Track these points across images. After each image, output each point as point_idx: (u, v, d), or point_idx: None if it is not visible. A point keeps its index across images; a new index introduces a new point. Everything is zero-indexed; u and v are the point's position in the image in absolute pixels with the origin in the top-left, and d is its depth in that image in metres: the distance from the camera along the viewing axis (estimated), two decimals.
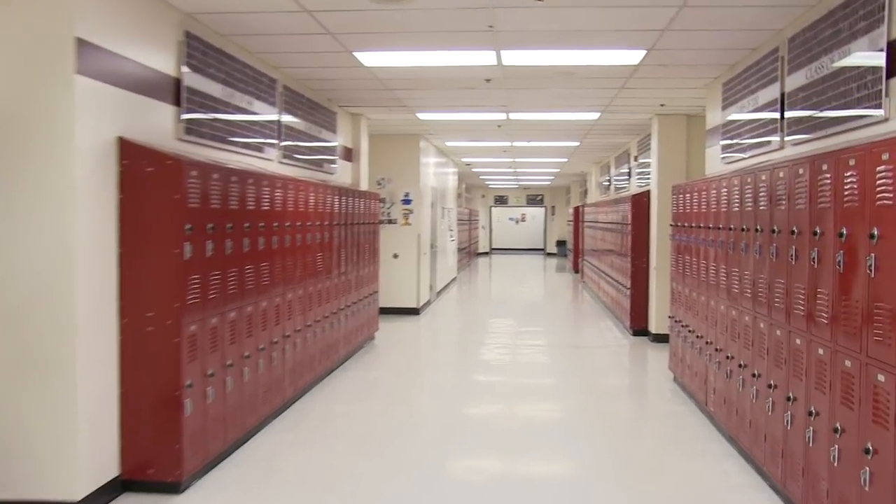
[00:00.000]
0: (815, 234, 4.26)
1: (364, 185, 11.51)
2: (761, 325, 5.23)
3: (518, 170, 23.29)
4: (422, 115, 11.29)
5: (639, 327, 11.71)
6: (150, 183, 4.90)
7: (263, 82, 7.41)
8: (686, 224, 7.71)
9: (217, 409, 5.47)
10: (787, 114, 5.78)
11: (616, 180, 16.71)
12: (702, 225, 7.03)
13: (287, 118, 8.15)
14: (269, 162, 7.66)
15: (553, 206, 36.18)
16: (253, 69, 7.12)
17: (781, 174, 4.85)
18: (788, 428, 4.62)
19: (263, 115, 7.43)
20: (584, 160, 19.15)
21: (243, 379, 5.95)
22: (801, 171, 4.51)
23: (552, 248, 36.37)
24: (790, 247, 4.63)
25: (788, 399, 4.60)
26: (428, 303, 14.92)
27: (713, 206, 6.64)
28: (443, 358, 10.60)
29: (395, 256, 13.68)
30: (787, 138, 5.81)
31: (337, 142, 10.30)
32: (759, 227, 5.28)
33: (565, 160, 19.23)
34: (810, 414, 4.24)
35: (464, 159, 19.33)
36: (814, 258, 4.28)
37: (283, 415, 7.00)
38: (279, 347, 6.79)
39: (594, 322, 13.80)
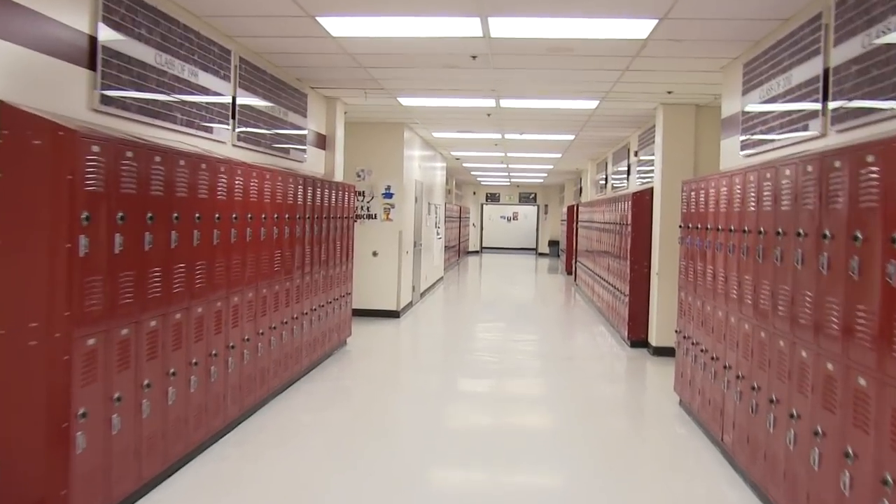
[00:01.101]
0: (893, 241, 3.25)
1: (340, 176, 10.48)
2: (803, 354, 4.22)
3: (510, 166, 22.27)
4: (404, 101, 10.26)
5: (637, 338, 10.71)
6: (36, 159, 3.85)
7: (213, 52, 6.36)
8: (699, 225, 6.71)
9: (126, 440, 4.43)
10: (833, 97, 4.77)
11: (613, 178, 15.71)
12: (720, 227, 6.02)
13: (245, 96, 7.11)
14: (221, 145, 6.63)
15: (546, 205, 35.18)
16: (199, 35, 6.08)
17: (838, 163, 3.84)
18: (846, 493, 3.60)
19: (214, 90, 6.39)
20: (579, 156, 18.14)
21: (167, 401, 4.92)
22: (869, 157, 3.50)
23: (544, 248, 35.38)
24: (851, 256, 3.62)
25: (847, 456, 3.58)
26: (410, 305, 13.89)
27: (736, 205, 5.63)
28: (419, 371, 9.57)
29: (375, 254, 12.65)
30: (832, 125, 4.79)
31: (308, 127, 9.26)
32: (801, 231, 4.26)
33: (559, 156, 18.22)
34: (885, 483, 3.22)
35: (453, 153, 18.30)
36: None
37: (224, 438, 5.96)
38: (220, 360, 5.76)
39: (588, 330, 12.80)
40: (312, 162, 9.57)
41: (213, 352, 5.62)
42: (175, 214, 4.91)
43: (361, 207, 12.66)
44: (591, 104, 10.14)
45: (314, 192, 8.22)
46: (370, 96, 9.81)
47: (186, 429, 5.24)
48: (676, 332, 7.51)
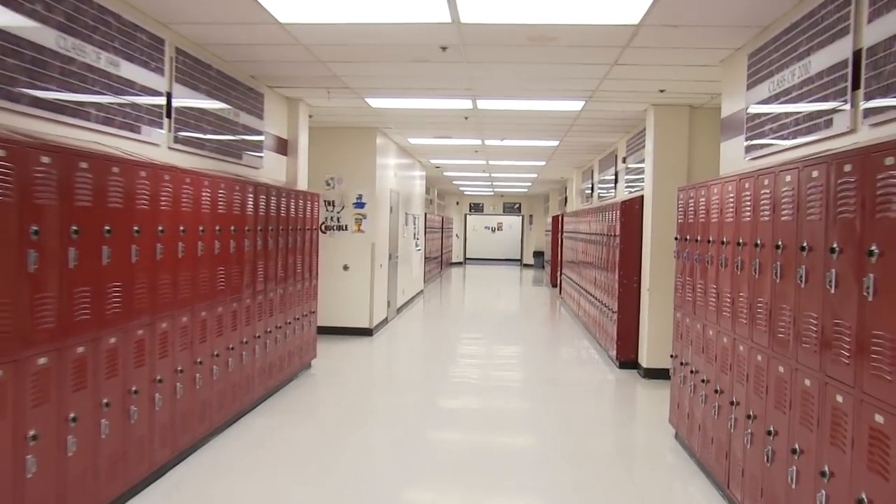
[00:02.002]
0: None
1: (304, 185, 9.64)
2: (838, 399, 3.41)
3: (493, 174, 21.47)
4: (373, 102, 9.44)
5: (627, 358, 9.90)
6: None
7: (140, 40, 5.52)
8: (699, 237, 5.91)
9: None
10: (867, 84, 3.97)
11: (600, 187, 14.94)
12: (726, 240, 5.21)
13: (184, 93, 6.26)
14: (153, 147, 5.77)
15: (531, 215, 34.43)
16: (121, 19, 5.23)
17: (891, 160, 3.04)
18: None
19: (142, 84, 5.54)
20: (564, 164, 17.37)
21: (66, 451, 4.05)
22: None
23: (529, 259, 34.59)
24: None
25: None
26: (384, 321, 13.03)
27: (745, 215, 4.83)
28: (389, 398, 8.71)
29: (346, 268, 11.80)
30: (864, 119, 3.99)
31: (265, 130, 8.42)
32: (836, 247, 3.46)
33: (543, 164, 17.44)
34: None
35: (432, 161, 17.48)
36: None
37: (154, 485, 5.09)
38: (144, 398, 4.90)
39: (574, 348, 11.98)
40: (272, 169, 8.73)
41: (134, 388, 4.76)
42: (74, 227, 4.05)
43: (331, 218, 11.81)
44: (576, 105, 9.35)
45: (270, 202, 7.38)
46: (334, 96, 8.98)
47: (96, 484, 4.37)
48: (672, 356, 6.70)
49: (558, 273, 20.80)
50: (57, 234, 3.92)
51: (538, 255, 33.42)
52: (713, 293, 5.46)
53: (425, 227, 20.47)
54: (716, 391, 5.25)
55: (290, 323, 8.15)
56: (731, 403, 4.89)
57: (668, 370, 9.28)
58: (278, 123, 9.06)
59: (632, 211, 9.88)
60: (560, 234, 19.94)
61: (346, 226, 11.82)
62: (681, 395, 6.35)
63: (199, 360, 5.72)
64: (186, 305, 5.49)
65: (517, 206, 34.50)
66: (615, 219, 10.28)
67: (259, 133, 8.20)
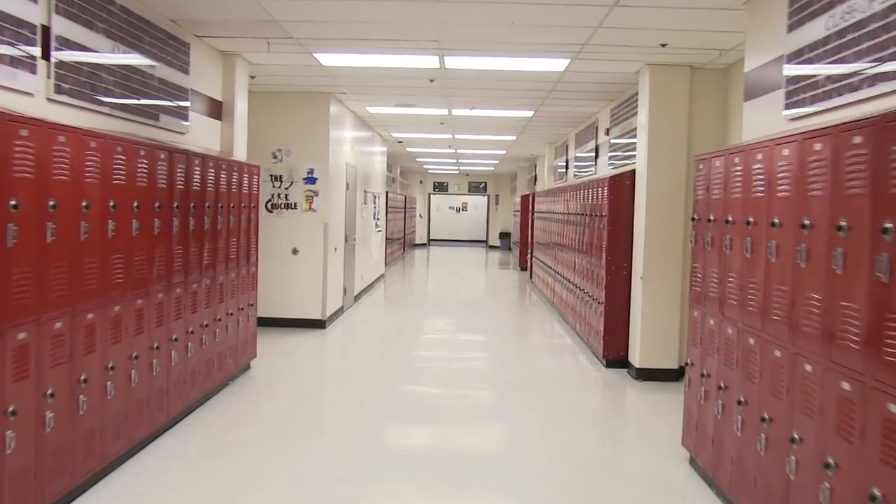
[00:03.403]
0: None
1: (241, 155, 8.23)
2: None
3: (459, 150, 20.12)
4: (323, 58, 8.04)
5: (615, 356, 8.68)
6: None
7: None
8: (728, 218, 4.66)
9: None
10: None
11: (577, 163, 13.70)
12: (777, 222, 3.96)
13: (69, 30, 4.84)
14: (24, 97, 4.37)
15: (497, 195, 33.17)
16: None
17: None
18: None
19: (2, 10, 4.13)
20: (536, 139, 16.09)
21: None
22: None
23: (495, 241, 33.37)
24: None
25: None
26: (340, 311, 11.68)
27: (782, 188, 3.58)
28: (336, 408, 7.37)
29: (295, 252, 10.42)
30: None
31: (191, 88, 7.00)
32: None
33: (514, 138, 16.15)
34: None
35: (394, 134, 16.09)
36: None
37: None
38: None
39: (552, 343, 10.74)
40: (202, 135, 7.32)
41: None
42: None
43: (278, 195, 10.41)
44: (560, 65, 8.05)
45: (192, 173, 6.00)
46: (277, 50, 7.57)
47: None
48: (687, 364, 5.46)
49: (528, 256, 19.58)
50: None
51: (504, 236, 32.23)
52: (754, 289, 4.21)
53: (387, 207, 19.11)
54: (763, 420, 4.01)
55: (220, 319, 6.79)
56: (793, 441, 3.65)
57: (664, 371, 8.14)
58: (211, 82, 7.65)
59: (620, 188, 8.63)
60: (531, 214, 18.69)
61: (294, 204, 10.42)
62: (701, 413, 5.12)
63: (83, 376, 4.35)
64: (61, 307, 4.12)
65: (483, 185, 33.23)
66: (601, 197, 9.02)
67: (183, 92, 6.78)
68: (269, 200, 10.37)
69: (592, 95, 10.12)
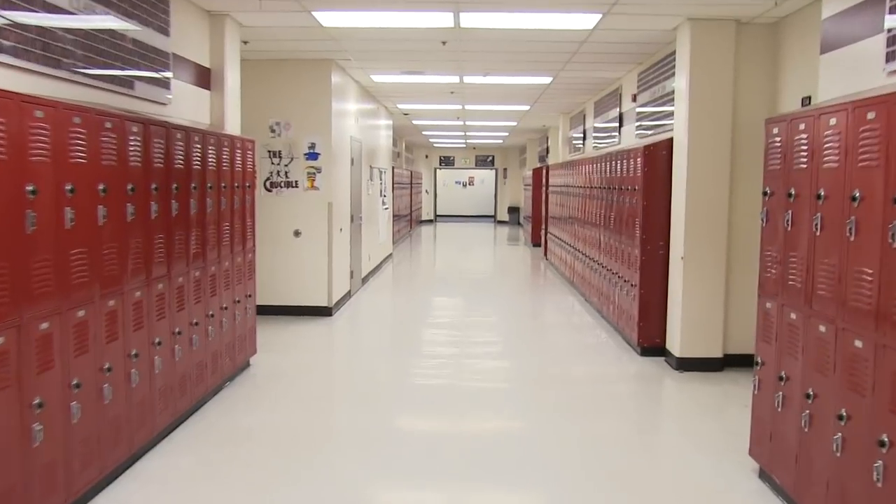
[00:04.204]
0: None
1: (234, 128, 7.39)
2: None
3: (467, 123, 19.21)
4: (323, 17, 7.18)
5: (651, 344, 7.88)
6: None
7: None
8: (820, 193, 3.83)
9: None
10: None
11: (597, 134, 12.82)
12: (880, 195, 3.13)
13: None
14: None
15: (505, 169, 32.21)
16: None
17: None
18: None
19: None
20: (550, 109, 15.19)
21: None
22: None
23: (503, 216, 32.49)
24: None
25: None
26: (347, 296, 10.89)
27: None
28: (344, 411, 6.57)
29: (297, 234, 9.60)
30: None
31: (173, 52, 6.14)
32: None
33: (527, 109, 15.24)
34: None
35: (399, 106, 15.19)
36: None
37: None
38: None
39: (576, 328, 9.93)
40: (187, 106, 6.49)
41: None
42: None
43: (277, 173, 9.57)
44: (590, 21, 7.18)
45: (173, 149, 5.17)
46: (269, 5, 6.69)
47: None
48: (757, 363, 4.64)
49: (542, 232, 18.74)
50: None
51: (513, 210, 31.36)
52: (865, 281, 3.38)
53: (393, 183, 18.26)
54: (882, 444, 3.19)
55: (213, 315, 5.98)
56: None
57: (708, 361, 7.30)
58: (197, 47, 6.80)
59: (657, 158, 7.78)
60: (545, 188, 17.81)
61: (296, 182, 9.58)
62: (777, 422, 4.31)
63: (36, 400, 3.55)
64: (4, 318, 3.31)
65: (490, 158, 32.27)
66: (634, 169, 8.17)
67: (163, 56, 5.93)
68: (267, 179, 9.55)
69: (619, 58, 9.24)
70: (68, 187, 3.76)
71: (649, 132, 9.06)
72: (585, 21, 7.21)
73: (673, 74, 7.85)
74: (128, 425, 4.51)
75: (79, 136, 3.89)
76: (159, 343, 4.93)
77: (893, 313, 3.15)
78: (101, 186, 4.11)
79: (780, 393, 4.25)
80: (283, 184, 9.55)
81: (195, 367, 5.63)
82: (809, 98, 6.35)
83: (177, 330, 5.24)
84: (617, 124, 11.04)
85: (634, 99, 9.91)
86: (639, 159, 7.94)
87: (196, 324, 5.62)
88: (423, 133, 23.17)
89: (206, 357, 5.85)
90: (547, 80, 11.12)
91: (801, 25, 6.61)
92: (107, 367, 4.21)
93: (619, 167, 8.93)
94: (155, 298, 4.88)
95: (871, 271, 3.34)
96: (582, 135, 14.35)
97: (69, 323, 3.82)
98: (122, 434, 4.43)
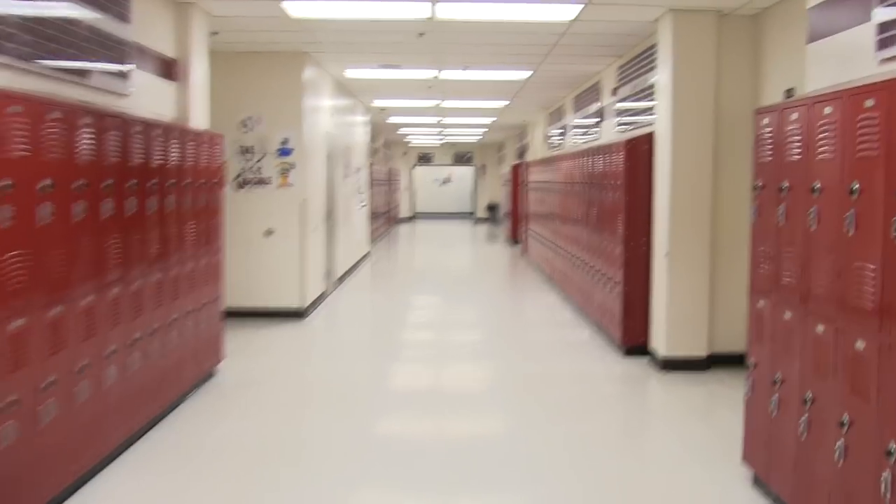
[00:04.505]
0: None
1: (201, 123, 7.08)
2: None
3: (444, 119, 18.92)
4: (292, 7, 6.88)
5: (635, 343, 7.66)
6: None
7: None
8: (816, 185, 3.60)
9: None
10: None
11: (576, 129, 12.59)
12: (881, 187, 2.92)
13: None
14: None
15: (484, 165, 31.95)
16: None
17: None
18: None
19: None
20: (529, 104, 14.93)
21: None
22: None
23: (482, 213, 32.25)
24: None
25: None
26: (321, 297, 10.59)
27: None
28: (316, 423, 6.26)
29: (269, 233, 9.29)
30: None
31: (134, 40, 5.81)
32: None
33: (506, 104, 14.98)
34: None
35: (376, 102, 14.89)
36: None
37: None
38: None
39: (559, 326, 9.68)
40: (150, 99, 6.16)
41: None
42: None
43: (248, 169, 9.25)
44: (571, 11, 6.93)
45: (131, 144, 4.87)
46: None
47: None
48: (750, 365, 4.41)
49: (521, 229, 18.52)
50: None
51: (493, 208, 31.14)
52: (866, 279, 3.15)
53: (371, 180, 17.96)
54: (889, 453, 2.96)
55: (175, 321, 5.67)
56: None
57: (693, 361, 7.06)
58: (162, 37, 6.48)
59: (638, 153, 7.56)
60: (523, 184, 17.58)
61: (268, 179, 9.27)
62: (773, 427, 4.08)
63: None
64: None
65: (468, 156, 31.99)
66: (615, 164, 7.94)
67: (124, 45, 5.60)
68: (238, 176, 9.23)
69: (600, 51, 9.00)
70: (4, 183, 3.45)
71: (630, 127, 8.84)
72: (566, 12, 6.97)
73: (654, 68, 7.65)
74: (68, 452, 4.13)
75: (18, 126, 3.58)
76: (112, 353, 4.61)
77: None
78: (44, 183, 3.80)
79: (776, 397, 4.02)
80: (254, 181, 9.24)
81: (155, 378, 5.32)
82: (793, 90, 6.16)
83: (135, 338, 4.93)
84: (597, 119, 10.83)
85: (615, 93, 9.69)
86: (620, 154, 7.72)
87: (156, 331, 5.30)
88: (399, 132, 22.88)
89: (167, 366, 5.54)
90: (526, 74, 10.87)
91: (784, 17, 6.42)
92: (47, 384, 3.87)
93: (600, 162, 8.70)
94: (109, 305, 4.56)
95: (873, 267, 3.11)
96: (561, 130, 14.13)
97: (1, 336, 3.50)
98: (58, 463, 4.09)
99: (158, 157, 5.34)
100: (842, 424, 3.32)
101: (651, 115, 7.73)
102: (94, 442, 4.43)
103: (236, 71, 9.12)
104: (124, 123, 4.81)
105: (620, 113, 9.40)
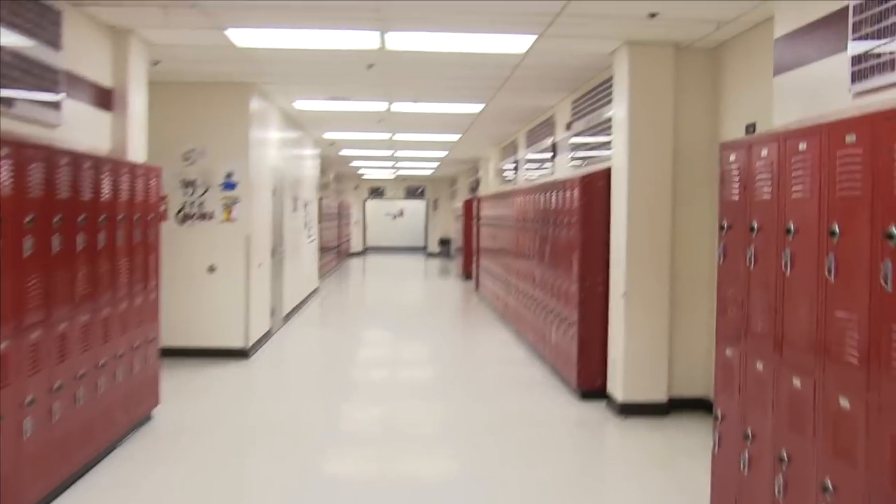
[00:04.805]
0: None
1: (139, 155, 6.71)
2: None
3: (397, 153, 18.70)
4: (236, 35, 6.58)
5: (591, 387, 7.40)
6: None
7: None
8: (791, 226, 3.40)
9: None
10: None
11: (529, 165, 12.46)
12: (866, 229, 2.72)
13: None
14: None
15: (436, 199, 31.78)
16: None
17: None
18: None
19: None
20: (481, 138, 14.79)
21: None
22: None
23: (434, 248, 32.02)
24: None
25: None
26: (267, 335, 10.17)
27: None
28: (256, 471, 5.87)
29: (212, 270, 8.89)
30: None
31: (65, 68, 5.45)
32: None
33: (458, 138, 14.82)
34: None
35: (326, 135, 14.59)
36: None
37: None
38: None
39: (513, 369, 9.37)
40: (83, 130, 5.78)
41: None
42: None
43: (190, 204, 8.86)
44: (524, 43, 6.76)
45: (56, 177, 4.50)
46: (176, 19, 6.07)
47: None
48: (717, 418, 4.18)
49: (473, 265, 18.29)
50: None
51: (444, 242, 30.92)
52: (854, 329, 2.94)
53: (320, 214, 17.60)
54: None
55: (105, 364, 5.26)
56: None
57: (652, 406, 6.80)
58: (97, 65, 6.12)
59: (595, 189, 7.37)
60: (475, 220, 17.40)
61: (211, 213, 8.88)
62: (744, 486, 3.83)
63: None
64: None
65: (421, 190, 31.82)
66: (570, 200, 7.75)
67: (53, 73, 5.24)
68: (180, 210, 8.84)
69: (554, 84, 8.87)
70: None
71: (584, 162, 8.68)
72: (519, 44, 6.79)
73: (609, 102, 7.51)
74: None
75: None
76: (31, 402, 4.21)
77: (893, 367, 2.70)
78: None
79: (746, 453, 3.79)
80: (197, 215, 8.85)
81: (82, 425, 4.90)
82: (754, 125, 6.03)
83: (56, 385, 4.53)
84: (550, 154, 10.69)
85: (569, 127, 9.56)
86: (575, 190, 7.52)
87: (82, 376, 4.90)
88: (352, 164, 22.60)
89: (95, 413, 5.12)
90: (478, 107, 10.70)
91: (743, 50, 6.33)
92: None
93: (554, 198, 8.51)
94: (28, 350, 4.17)
95: (857, 317, 2.90)
96: (514, 165, 14.00)
97: None
98: None
99: (89, 191, 4.97)
100: (825, 489, 3.09)
101: (606, 149, 7.58)
102: (9, 499, 4.01)
103: (179, 101, 8.77)
104: (50, 155, 4.44)
105: (575, 148, 9.26)
